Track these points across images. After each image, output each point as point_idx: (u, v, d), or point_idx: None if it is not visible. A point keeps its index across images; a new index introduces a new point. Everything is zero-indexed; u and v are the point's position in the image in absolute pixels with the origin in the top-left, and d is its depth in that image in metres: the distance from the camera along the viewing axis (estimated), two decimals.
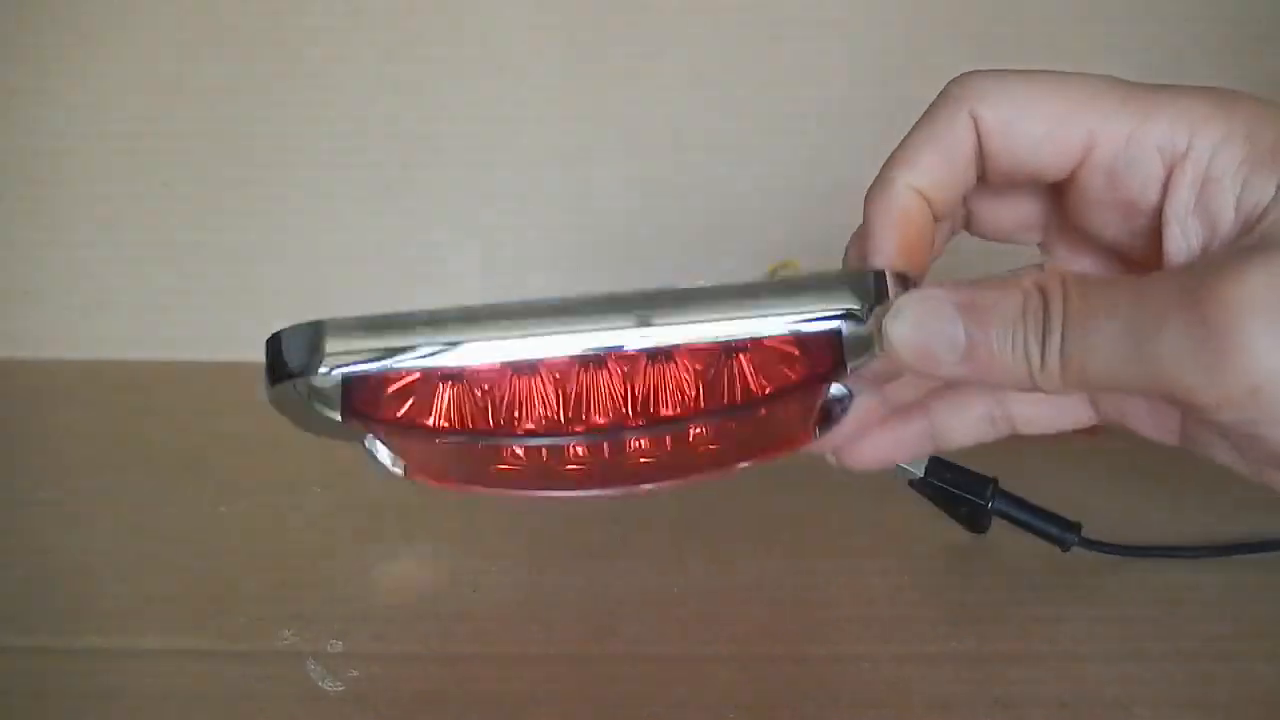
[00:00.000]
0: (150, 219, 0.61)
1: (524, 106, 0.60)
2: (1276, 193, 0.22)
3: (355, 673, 0.29)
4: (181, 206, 0.61)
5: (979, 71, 0.26)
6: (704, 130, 0.60)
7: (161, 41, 0.60)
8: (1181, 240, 0.24)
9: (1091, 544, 0.34)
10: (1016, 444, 0.31)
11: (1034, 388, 0.23)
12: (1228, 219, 0.23)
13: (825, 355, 0.26)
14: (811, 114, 0.59)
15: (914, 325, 0.24)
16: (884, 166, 0.27)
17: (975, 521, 0.35)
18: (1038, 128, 0.25)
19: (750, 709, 0.27)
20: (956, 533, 0.37)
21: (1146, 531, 0.35)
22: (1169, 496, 0.38)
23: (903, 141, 0.27)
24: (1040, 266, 0.29)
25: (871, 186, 0.27)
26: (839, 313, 0.24)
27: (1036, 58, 0.61)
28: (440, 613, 0.32)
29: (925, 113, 0.27)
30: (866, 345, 0.25)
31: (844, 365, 0.26)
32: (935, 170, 0.26)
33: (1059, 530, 0.34)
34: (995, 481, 0.34)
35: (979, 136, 0.26)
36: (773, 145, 0.60)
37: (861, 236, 0.27)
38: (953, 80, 0.26)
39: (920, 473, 0.34)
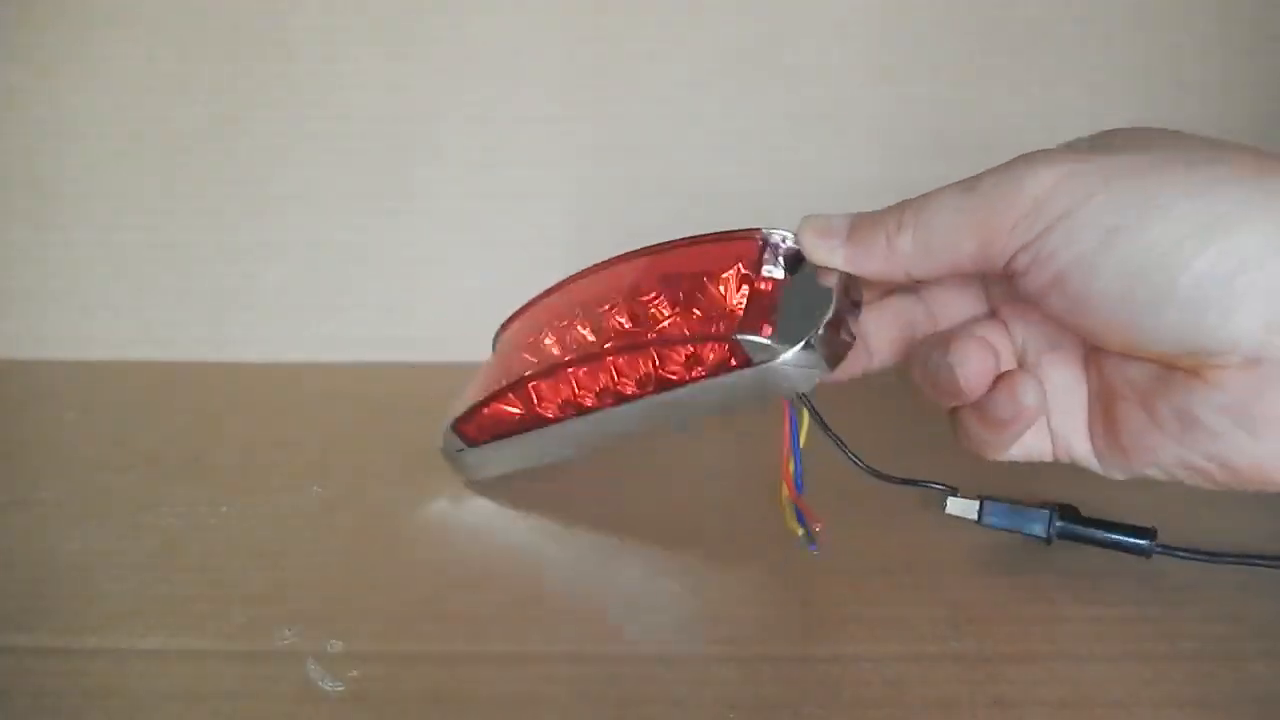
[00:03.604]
0: (150, 219, 0.61)
1: (524, 106, 0.60)
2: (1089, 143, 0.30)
3: (355, 673, 0.29)
4: (181, 206, 0.61)
5: None
6: (704, 130, 0.60)
7: (161, 41, 0.60)
8: None
9: (1171, 550, 0.34)
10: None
11: (894, 260, 0.31)
12: None
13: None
14: (811, 114, 0.59)
15: (817, 219, 0.33)
16: None
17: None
18: None
19: (750, 709, 0.27)
20: (957, 532, 0.37)
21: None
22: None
23: None
24: None
25: None
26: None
27: (1036, 57, 0.61)
28: (440, 613, 0.32)
29: None
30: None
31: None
32: None
33: (1135, 539, 0.34)
34: (1053, 511, 0.34)
35: None
36: (773, 145, 0.60)
37: None
38: None
39: (975, 516, 0.35)
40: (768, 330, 0.32)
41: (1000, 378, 0.31)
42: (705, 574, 0.35)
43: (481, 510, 0.40)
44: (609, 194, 0.61)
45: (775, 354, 0.32)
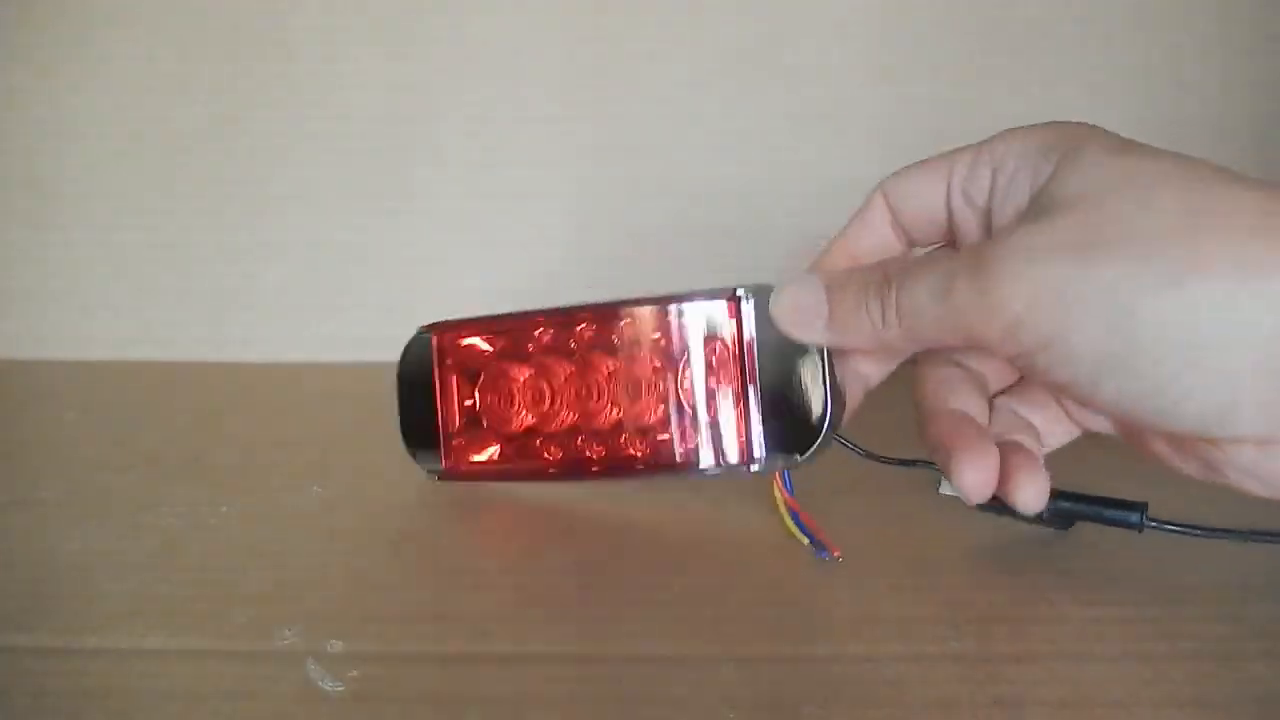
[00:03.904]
0: (150, 219, 0.62)
1: (524, 106, 0.60)
2: (1053, 170, 0.28)
3: (355, 673, 0.29)
4: (181, 206, 0.61)
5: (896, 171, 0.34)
6: (704, 130, 0.60)
7: (161, 41, 0.60)
8: (1000, 222, 0.31)
9: (1163, 525, 0.34)
10: None
11: (882, 343, 0.30)
12: (1025, 200, 0.29)
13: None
14: (811, 114, 0.59)
15: (789, 299, 0.31)
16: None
17: (1054, 522, 0.35)
18: (919, 181, 0.33)
19: (750, 709, 0.27)
20: (957, 532, 0.37)
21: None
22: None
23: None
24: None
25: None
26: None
27: (1035, 57, 0.61)
28: (440, 613, 0.32)
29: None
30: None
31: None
32: (860, 236, 0.34)
33: (1126, 513, 0.34)
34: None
35: (888, 203, 0.33)
36: (773, 145, 0.60)
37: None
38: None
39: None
40: (769, 442, 0.34)
41: (1003, 478, 0.31)
42: (705, 574, 0.35)
43: (482, 510, 0.40)
44: (609, 194, 0.61)
45: (785, 462, 0.34)
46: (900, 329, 0.29)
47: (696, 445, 0.36)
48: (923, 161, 0.33)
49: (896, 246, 0.34)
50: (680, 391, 0.36)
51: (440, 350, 0.40)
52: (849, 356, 0.34)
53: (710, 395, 0.35)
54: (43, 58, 0.60)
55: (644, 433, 0.37)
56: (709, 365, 0.35)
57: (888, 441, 0.39)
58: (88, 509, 0.40)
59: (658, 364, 0.36)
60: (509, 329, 0.40)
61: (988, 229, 0.32)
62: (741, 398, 0.34)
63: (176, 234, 0.62)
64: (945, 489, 0.36)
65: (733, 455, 0.35)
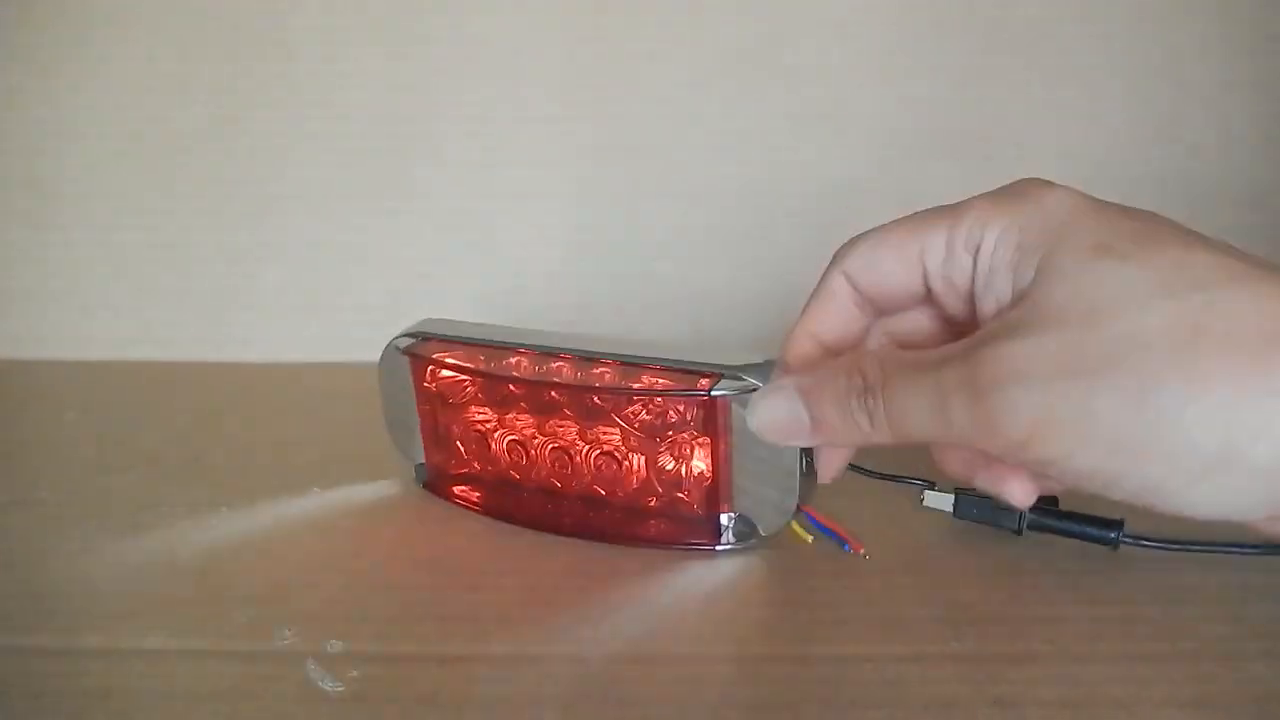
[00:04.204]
0: (150, 219, 0.62)
1: (524, 106, 0.60)
2: (1034, 275, 0.27)
3: (355, 673, 0.29)
4: (181, 206, 0.61)
5: (852, 238, 0.32)
6: (704, 130, 0.60)
7: (161, 41, 0.60)
8: (985, 312, 0.30)
9: (1139, 540, 0.34)
10: None
11: (873, 445, 0.28)
12: (1007, 296, 0.28)
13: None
14: (811, 114, 0.59)
15: (767, 416, 0.30)
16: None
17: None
18: (889, 264, 0.31)
19: (750, 709, 0.27)
20: (957, 532, 0.37)
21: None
22: None
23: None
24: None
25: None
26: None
27: (1036, 58, 0.61)
28: (440, 613, 0.32)
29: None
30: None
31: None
32: (825, 318, 0.32)
33: (1101, 530, 0.34)
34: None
35: (852, 284, 0.32)
36: (773, 145, 0.60)
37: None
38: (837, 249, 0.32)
39: (950, 508, 0.37)
40: (738, 524, 0.35)
41: (998, 479, 0.30)
42: (704, 574, 0.35)
43: (480, 512, 0.40)
44: (609, 194, 0.61)
45: (751, 540, 0.35)
46: (892, 435, 0.28)
47: (664, 522, 0.37)
48: (883, 236, 0.31)
49: (861, 319, 0.33)
50: (652, 469, 0.36)
51: (417, 372, 0.39)
52: None
53: (680, 473, 0.36)
54: (43, 58, 0.60)
55: (614, 504, 0.38)
56: (683, 443, 0.36)
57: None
58: (88, 509, 0.40)
59: (634, 437, 0.36)
60: (487, 371, 0.38)
61: (972, 307, 0.31)
62: (713, 481, 0.35)
63: (176, 234, 0.62)
64: (929, 501, 0.37)
65: (700, 537, 0.36)
